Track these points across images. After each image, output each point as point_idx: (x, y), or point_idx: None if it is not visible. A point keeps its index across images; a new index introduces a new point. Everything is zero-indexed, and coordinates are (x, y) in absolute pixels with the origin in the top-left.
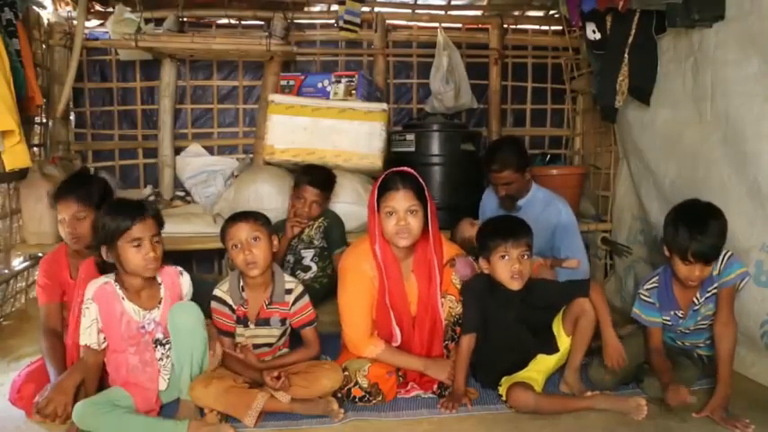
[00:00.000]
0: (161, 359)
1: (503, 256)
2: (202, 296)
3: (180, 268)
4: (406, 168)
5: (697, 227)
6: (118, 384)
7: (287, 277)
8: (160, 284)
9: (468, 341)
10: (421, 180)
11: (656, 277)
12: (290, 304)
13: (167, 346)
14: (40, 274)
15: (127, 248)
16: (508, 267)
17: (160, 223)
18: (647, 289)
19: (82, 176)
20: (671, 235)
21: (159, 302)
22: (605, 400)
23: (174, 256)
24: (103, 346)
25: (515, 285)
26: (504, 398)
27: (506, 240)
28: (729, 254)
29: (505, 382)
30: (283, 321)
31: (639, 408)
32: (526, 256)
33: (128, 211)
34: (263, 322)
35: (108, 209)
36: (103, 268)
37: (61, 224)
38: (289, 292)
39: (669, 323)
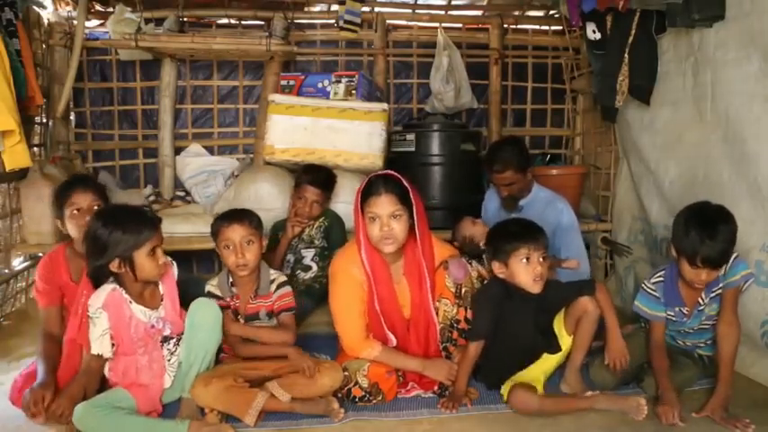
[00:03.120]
0: (167, 356)
1: (524, 259)
2: (201, 296)
3: (168, 257)
4: (389, 172)
5: (707, 231)
6: (125, 386)
7: (272, 271)
8: (157, 282)
9: (476, 348)
10: (406, 182)
11: (663, 272)
12: (272, 293)
13: (173, 341)
14: (37, 279)
15: (144, 258)
16: (531, 271)
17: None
18: (652, 282)
19: (84, 175)
20: (680, 238)
21: (161, 299)
22: (606, 400)
23: (174, 256)
24: (110, 353)
25: (537, 288)
26: (504, 399)
27: (529, 243)
28: (735, 255)
29: (507, 383)
30: (271, 315)
31: (640, 407)
32: (544, 259)
33: (144, 223)
34: (253, 317)
35: (117, 223)
36: (97, 281)
37: (73, 218)
38: (272, 281)
39: (673, 319)
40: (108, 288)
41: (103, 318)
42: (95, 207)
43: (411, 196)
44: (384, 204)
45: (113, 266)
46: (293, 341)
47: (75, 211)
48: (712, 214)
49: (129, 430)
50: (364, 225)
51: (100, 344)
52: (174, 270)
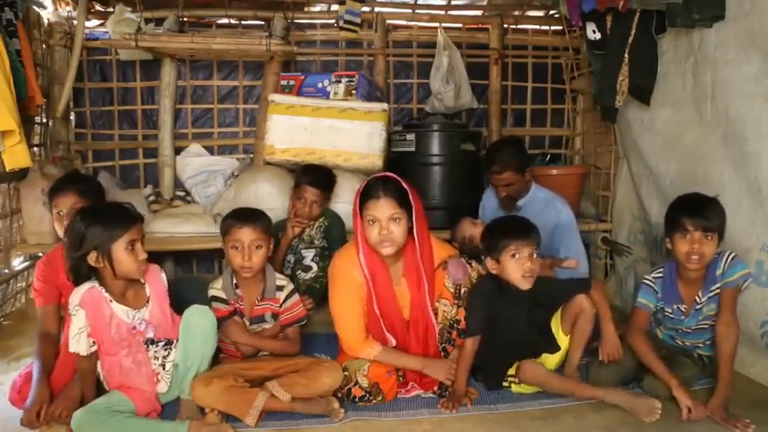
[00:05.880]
0: (156, 358)
1: (513, 255)
2: (203, 295)
3: (157, 266)
4: (388, 174)
5: (694, 201)
6: (114, 387)
7: (278, 275)
8: (144, 284)
9: (472, 344)
10: (405, 185)
11: (662, 269)
12: (280, 301)
13: (160, 344)
14: (35, 278)
15: (121, 252)
16: (520, 266)
17: (143, 222)
18: (653, 276)
19: (76, 174)
20: (670, 216)
21: (147, 301)
22: (618, 395)
23: (174, 256)
24: (92, 350)
25: (526, 285)
26: (512, 376)
27: (517, 239)
28: (733, 255)
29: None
30: (276, 317)
31: (652, 410)
32: (535, 255)
33: (121, 216)
34: (259, 319)
35: (95, 216)
36: (76, 279)
37: (58, 220)
38: (280, 288)
39: (671, 316)
40: (87, 286)
41: (80, 315)
42: (77, 205)
43: (410, 198)
44: (383, 208)
45: (91, 259)
46: (297, 353)
47: (58, 214)
48: (698, 194)
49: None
50: (363, 227)
51: (76, 342)
52: (163, 276)
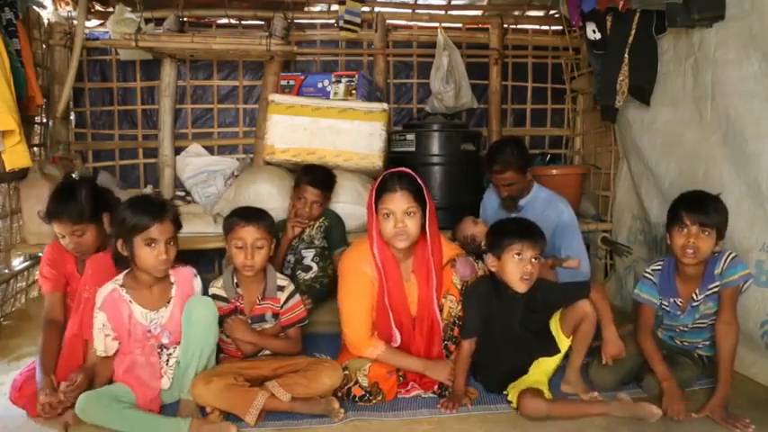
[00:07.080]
0: (167, 360)
1: (516, 254)
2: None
3: (194, 270)
4: (404, 169)
5: (694, 197)
6: (120, 380)
7: (279, 275)
8: (173, 284)
9: (468, 345)
10: (419, 180)
11: (662, 262)
12: (281, 301)
13: (171, 349)
14: (43, 264)
15: (141, 246)
16: (520, 268)
17: (178, 226)
18: (652, 269)
19: (68, 189)
20: (671, 211)
21: (169, 301)
22: (622, 407)
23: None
24: (111, 352)
25: (523, 287)
26: (513, 404)
27: (523, 240)
28: (733, 255)
29: (513, 389)
30: (276, 316)
31: (654, 415)
32: (536, 260)
33: (149, 210)
34: (259, 318)
35: (131, 204)
36: (117, 259)
37: (62, 239)
38: (281, 288)
39: (668, 310)
40: (109, 287)
41: (101, 317)
42: (77, 232)
43: (425, 194)
44: (399, 201)
45: (119, 246)
46: (298, 353)
47: (60, 237)
48: (701, 191)
49: (131, 423)
50: (378, 222)
51: (97, 341)
52: (197, 282)
